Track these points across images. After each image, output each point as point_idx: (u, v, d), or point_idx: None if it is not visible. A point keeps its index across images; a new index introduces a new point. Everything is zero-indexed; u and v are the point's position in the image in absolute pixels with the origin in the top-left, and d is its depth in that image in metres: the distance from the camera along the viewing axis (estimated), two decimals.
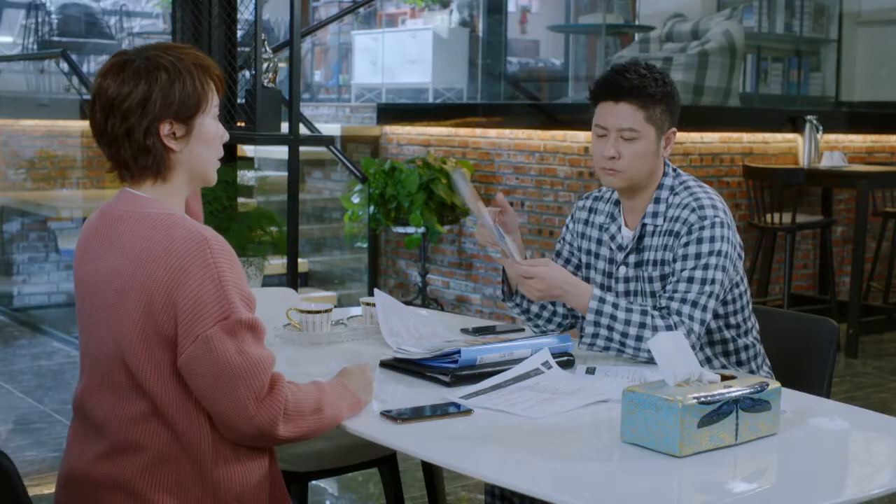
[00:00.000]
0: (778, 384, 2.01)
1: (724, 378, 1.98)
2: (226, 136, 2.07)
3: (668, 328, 2.40)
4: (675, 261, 2.49)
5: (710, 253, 2.45)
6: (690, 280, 2.45)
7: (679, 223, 2.51)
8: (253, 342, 1.89)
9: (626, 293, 2.61)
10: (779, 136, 6.86)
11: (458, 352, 2.29)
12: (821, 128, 6.75)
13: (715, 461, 1.86)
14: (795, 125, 6.84)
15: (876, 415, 2.22)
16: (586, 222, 2.74)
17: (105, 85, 1.95)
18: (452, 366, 2.28)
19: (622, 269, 2.62)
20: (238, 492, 1.96)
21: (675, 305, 2.44)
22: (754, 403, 1.94)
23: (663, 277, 2.55)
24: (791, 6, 8.28)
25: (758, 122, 6.89)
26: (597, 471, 1.86)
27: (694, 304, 2.43)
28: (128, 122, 1.93)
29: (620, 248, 2.63)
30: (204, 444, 1.92)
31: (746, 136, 6.70)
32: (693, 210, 2.50)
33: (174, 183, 2.01)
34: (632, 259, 2.60)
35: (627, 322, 2.42)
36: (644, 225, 2.57)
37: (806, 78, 8.36)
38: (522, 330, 2.83)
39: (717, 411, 1.88)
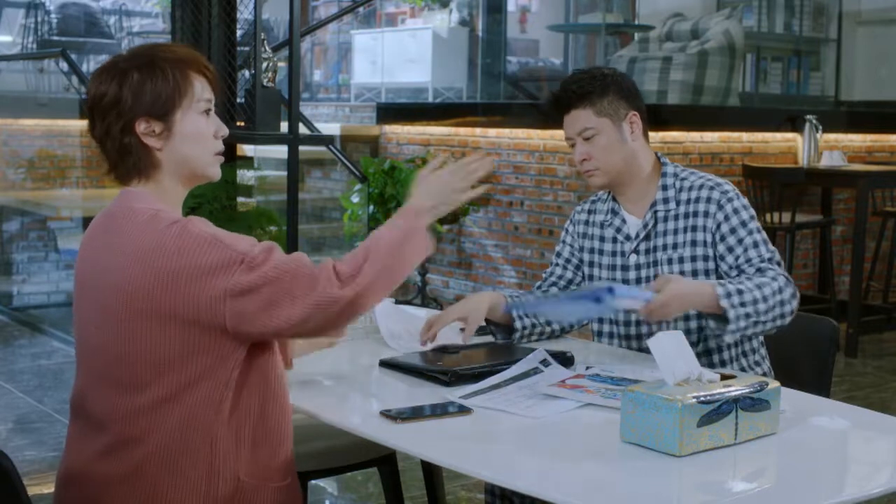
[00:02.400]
0: (777, 383, 2.01)
1: (723, 377, 1.98)
2: (223, 131, 2.06)
3: (774, 279, 2.45)
4: (722, 238, 2.56)
5: (751, 218, 2.58)
6: (756, 244, 2.54)
7: (703, 203, 2.59)
8: (277, 254, 1.90)
9: (637, 280, 2.66)
10: (778, 135, 6.85)
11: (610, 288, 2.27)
12: (820, 127, 6.75)
13: (715, 460, 1.86)
14: (795, 125, 6.84)
15: (875, 414, 2.22)
16: (586, 223, 2.80)
17: (91, 87, 2.02)
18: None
19: (633, 258, 2.66)
20: (241, 480, 1.96)
21: (763, 265, 2.52)
22: (754, 403, 1.94)
23: (681, 259, 2.59)
24: (791, 6, 8.28)
25: (757, 122, 6.88)
26: (596, 470, 1.86)
27: (771, 261, 2.53)
28: (105, 121, 1.98)
29: (629, 238, 2.67)
30: (206, 434, 1.93)
31: (746, 136, 6.70)
32: (712, 188, 2.60)
33: (162, 182, 2.01)
34: (643, 246, 2.65)
35: (750, 289, 2.41)
36: (656, 212, 2.63)
37: (805, 77, 8.35)
38: None
39: (717, 411, 1.88)
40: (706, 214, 2.58)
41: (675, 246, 2.61)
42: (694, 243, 2.59)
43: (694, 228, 2.59)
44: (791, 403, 2.13)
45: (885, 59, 8.42)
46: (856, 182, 6.41)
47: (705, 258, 2.59)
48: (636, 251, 2.66)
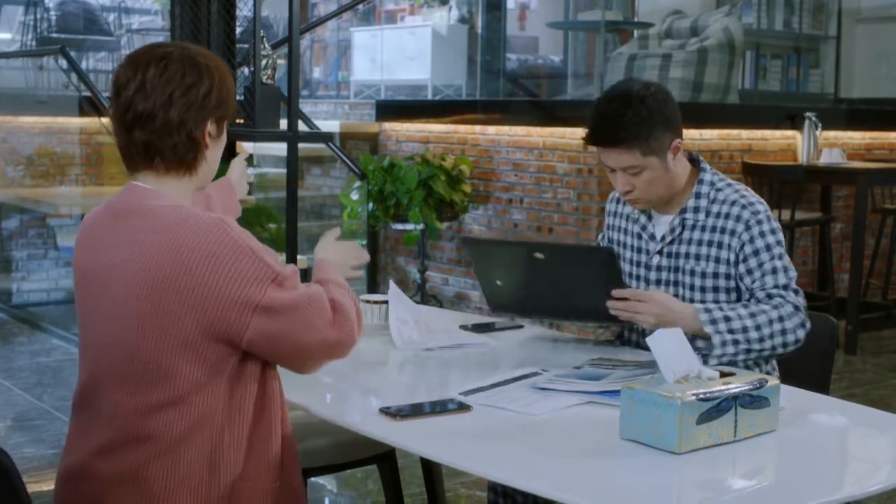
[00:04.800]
0: (777, 381, 2.01)
1: (722, 375, 1.98)
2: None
3: (776, 308, 2.46)
4: (744, 259, 2.53)
5: (777, 243, 2.55)
6: (774, 271, 2.52)
7: (732, 220, 2.55)
8: (300, 284, 1.97)
9: (658, 282, 2.64)
10: (778, 132, 6.85)
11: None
12: (820, 125, 6.75)
13: (714, 458, 1.86)
14: (794, 122, 6.83)
15: (875, 411, 2.22)
16: (615, 214, 2.79)
17: (175, 73, 1.96)
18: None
19: (656, 259, 2.64)
20: (238, 481, 1.96)
21: (773, 292, 2.51)
22: (753, 400, 1.94)
23: (703, 274, 2.57)
24: (790, 3, 8.27)
25: (757, 119, 6.88)
26: (596, 467, 1.86)
27: (786, 287, 2.51)
28: (187, 110, 1.96)
29: (653, 237, 2.65)
30: (210, 435, 1.93)
31: (745, 133, 6.69)
32: (743, 207, 2.55)
33: (193, 181, 2.05)
34: (667, 250, 2.63)
35: (741, 317, 2.44)
36: (685, 219, 2.60)
37: (805, 75, 8.35)
38: (521, 327, 2.84)
39: (717, 408, 1.88)
40: (733, 233, 2.54)
41: (698, 257, 2.58)
42: (717, 260, 2.56)
43: (720, 245, 2.56)
44: (790, 400, 2.13)
45: (885, 57, 8.42)
46: (855, 179, 6.41)
47: (727, 276, 2.56)
48: (660, 252, 2.63)
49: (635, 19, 8.10)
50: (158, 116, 1.96)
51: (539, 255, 2.54)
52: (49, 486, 2.06)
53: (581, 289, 2.55)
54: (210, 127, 2.01)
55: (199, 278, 1.87)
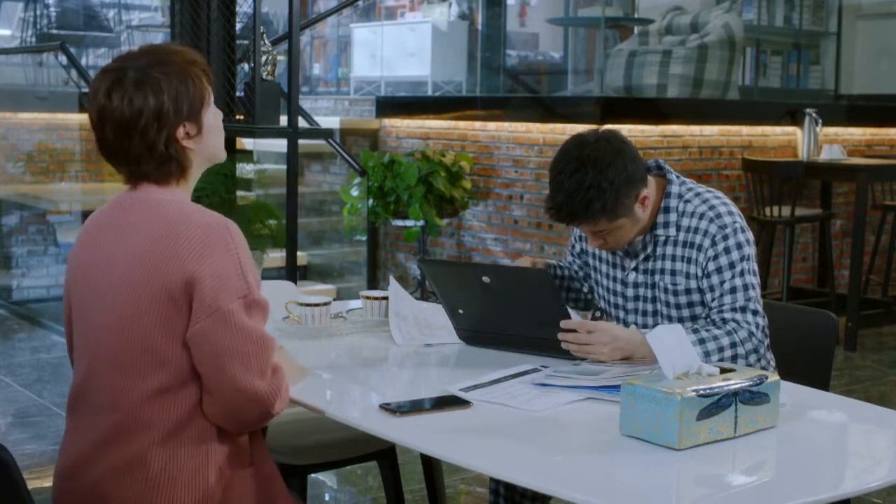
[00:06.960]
0: (777, 377, 2.01)
1: (722, 371, 1.99)
2: (220, 114, 2.12)
3: (729, 334, 2.41)
4: (707, 275, 2.49)
5: (742, 259, 2.48)
6: (734, 290, 2.47)
7: (700, 235, 2.51)
8: (263, 323, 1.98)
9: (636, 298, 2.62)
10: (778, 129, 6.85)
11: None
12: (820, 121, 6.75)
13: (714, 454, 1.86)
14: (795, 118, 6.83)
15: (874, 408, 2.22)
16: None
17: (111, 105, 1.96)
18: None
19: (632, 276, 2.61)
20: (221, 467, 1.99)
21: (728, 315, 2.46)
22: (753, 396, 1.94)
23: (676, 292, 2.55)
24: None
25: (757, 116, 6.88)
26: (596, 464, 1.86)
27: (743, 310, 2.45)
28: (147, 138, 1.97)
29: (627, 254, 2.62)
30: (204, 419, 1.96)
31: (746, 129, 6.69)
32: (711, 220, 2.51)
33: (191, 176, 2.07)
34: (642, 266, 2.60)
35: (693, 345, 2.34)
36: (656, 236, 2.56)
37: (805, 71, 8.35)
38: None
39: (716, 404, 1.88)
40: (700, 248, 2.50)
41: (673, 273, 2.55)
42: (688, 275, 2.53)
43: (690, 260, 2.52)
44: (790, 397, 2.13)
45: (885, 53, 8.42)
46: (855, 176, 6.41)
47: (700, 290, 2.53)
48: (635, 269, 2.61)
49: (635, 15, 8.10)
50: (123, 149, 1.98)
51: (486, 279, 2.47)
52: (49, 482, 2.06)
53: (530, 315, 2.45)
54: (185, 129, 2.01)
55: (187, 266, 1.90)
